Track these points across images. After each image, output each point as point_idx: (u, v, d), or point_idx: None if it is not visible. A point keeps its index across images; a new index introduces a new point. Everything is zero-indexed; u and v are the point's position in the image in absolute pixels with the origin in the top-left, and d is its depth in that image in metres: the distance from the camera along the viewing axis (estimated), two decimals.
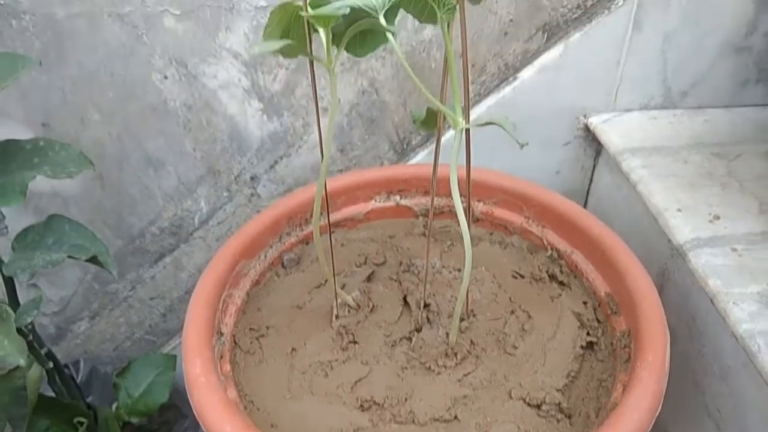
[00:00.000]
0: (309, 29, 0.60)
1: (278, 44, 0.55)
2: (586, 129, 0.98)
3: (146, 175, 1.00)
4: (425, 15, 0.67)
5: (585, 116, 0.98)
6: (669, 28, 0.91)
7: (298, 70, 0.94)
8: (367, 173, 0.93)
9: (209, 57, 0.91)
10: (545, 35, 0.93)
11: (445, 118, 0.66)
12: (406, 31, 0.92)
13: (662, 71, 0.95)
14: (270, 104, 0.97)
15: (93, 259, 0.72)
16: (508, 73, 0.95)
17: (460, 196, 0.60)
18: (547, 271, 0.80)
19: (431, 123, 0.69)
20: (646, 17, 0.90)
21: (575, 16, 0.92)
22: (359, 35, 0.61)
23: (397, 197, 0.93)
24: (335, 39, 0.61)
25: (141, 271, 1.10)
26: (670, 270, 0.80)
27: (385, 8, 0.59)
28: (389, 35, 0.58)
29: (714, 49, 0.93)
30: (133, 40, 0.88)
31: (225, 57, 0.92)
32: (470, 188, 0.69)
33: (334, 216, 0.91)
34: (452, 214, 0.91)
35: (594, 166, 1.02)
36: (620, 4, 0.89)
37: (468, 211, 0.72)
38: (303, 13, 0.54)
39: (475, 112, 0.97)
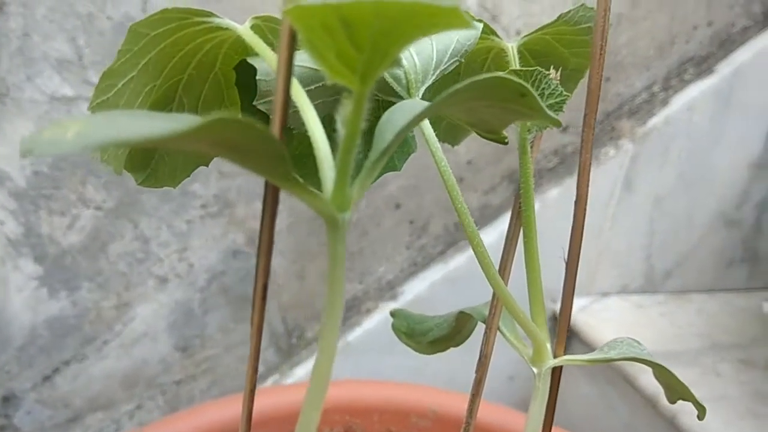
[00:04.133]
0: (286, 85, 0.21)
1: (163, 126, 0.13)
2: (554, 318, 0.69)
3: None
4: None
5: (553, 300, 0.69)
6: (663, 190, 0.68)
7: (118, 210, 0.53)
8: (217, 407, 0.50)
9: None
10: (513, 187, 0.64)
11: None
12: None
13: (648, 245, 0.71)
14: (57, 268, 0.53)
15: None
16: (459, 236, 0.64)
17: None
18: None
19: (449, 343, 0.34)
20: (639, 174, 0.66)
21: (551, 165, 0.65)
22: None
23: None
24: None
25: None
26: None
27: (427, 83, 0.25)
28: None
29: (705, 221, 0.73)
30: None
31: None
32: None
33: None
34: None
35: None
36: (611, 154, 0.65)
37: None
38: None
39: (411, 290, 0.63)
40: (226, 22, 0.20)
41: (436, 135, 0.31)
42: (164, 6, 0.49)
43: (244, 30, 0.20)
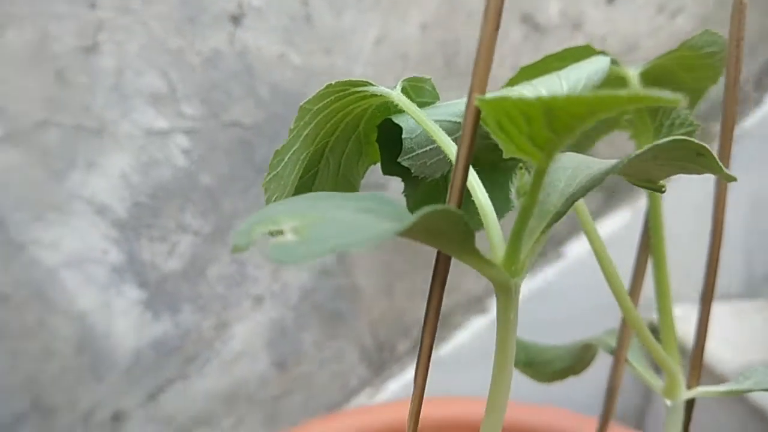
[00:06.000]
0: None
1: (387, 227, 0.15)
2: (653, 329, 0.66)
3: None
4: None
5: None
6: (762, 188, 0.65)
7: (215, 235, 0.55)
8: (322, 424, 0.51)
9: (49, 211, 0.49)
10: (605, 195, 0.62)
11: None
12: None
13: (748, 248, 0.67)
14: (159, 293, 0.55)
15: None
16: (548, 247, 0.62)
17: None
18: None
19: (570, 373, 0.33)
20: (738, 173, 0.62)
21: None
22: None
23: None
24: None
25: None
26: None
27: None
28: None
29: None
30: None
31: (80, 212, 0.50)
32: None
33: None
34: None
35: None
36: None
37: None
38: None
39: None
40: (380, 89, 0.22)
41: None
42: (251, 43, 0.50)
43: (396, 95, 0.21)
